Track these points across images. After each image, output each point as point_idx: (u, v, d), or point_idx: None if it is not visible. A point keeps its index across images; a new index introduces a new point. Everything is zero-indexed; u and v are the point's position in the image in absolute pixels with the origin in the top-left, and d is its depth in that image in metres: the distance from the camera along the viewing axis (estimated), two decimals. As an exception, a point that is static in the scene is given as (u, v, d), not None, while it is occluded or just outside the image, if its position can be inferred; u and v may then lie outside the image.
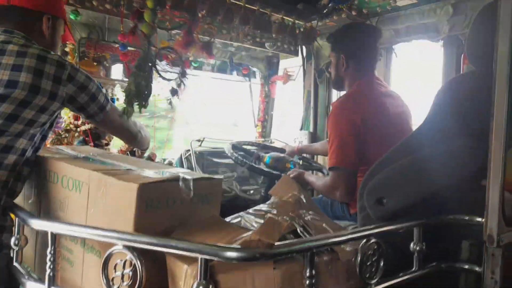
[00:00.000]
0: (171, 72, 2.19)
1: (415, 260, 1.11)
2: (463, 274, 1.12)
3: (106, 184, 1.06)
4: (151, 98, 1.75)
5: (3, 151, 1.22)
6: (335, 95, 2.92)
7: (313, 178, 2.00)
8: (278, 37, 2.61)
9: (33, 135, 1.30)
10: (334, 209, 1.98)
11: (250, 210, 1.24)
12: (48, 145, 1.84)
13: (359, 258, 0.98)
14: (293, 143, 2.91)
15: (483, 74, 1.11)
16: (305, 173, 2.03)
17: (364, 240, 1.00)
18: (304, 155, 2.67)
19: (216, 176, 1.20)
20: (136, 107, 1.68)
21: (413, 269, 1.11)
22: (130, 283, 0.92)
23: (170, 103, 2.14)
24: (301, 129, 3.11)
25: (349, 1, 2.38)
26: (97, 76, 2.24)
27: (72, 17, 2.00)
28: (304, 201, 1.21)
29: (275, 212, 1.14)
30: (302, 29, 2.57)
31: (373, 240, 1.01)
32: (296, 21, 2.51)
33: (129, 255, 0.91)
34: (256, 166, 2.21)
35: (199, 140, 2.72)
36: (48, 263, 1.01)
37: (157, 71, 1.46)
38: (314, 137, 3.02)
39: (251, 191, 2.52)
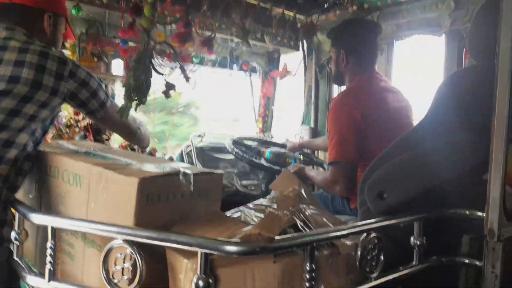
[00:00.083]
0: (169, 67, 2.18)
1: (416, 254, 1.12)
2: (463, 268, 1.12)
3: (106, 179, 1.06)
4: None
5: (4, 145, 1.23)
6: (336, 90, 2.92)
7: (313, 173, 2.00)
8: (278, 32, 2.59)
9: (34, 130, 1.31)
10: (334, 203, 1.98)
11: (250, 205, 1.24)
12: (49, 140, 1.84)
13: (359, 252, 0.98)
14: (293, 138, 2.91)
15: (485, 68, 1.11)
16: (305, 168, 2.03)
17: (365, 234, 1.01)
18: (305, 150, 2.67)
19: (216, 171, 1.20)
20: (133, 104, 1.66)
21: (414, 263, 1.12)
22: (130, 277, 0.92)
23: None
24: (302, 123, 3.11)
25: (349, -5, 2.38)
26: (97, 72, 2.23)
27: (74, 12, 1.99)
28: (305, 195, 1.21)
29: (275, 206, 1.14)
30: (302, 24, 2.56)
31: (373, 234, 1.01)
32: (297, 16, 2.50)
33: (129, 249, 0.91)
34: (257, 161, 2.21)
35: (200, 135, 2.72)
36: (48, 257, 1.01)
37: (153, 65, 1.45)
38: (315, 132, 3.01)
39: (252, 186, 2.51)
